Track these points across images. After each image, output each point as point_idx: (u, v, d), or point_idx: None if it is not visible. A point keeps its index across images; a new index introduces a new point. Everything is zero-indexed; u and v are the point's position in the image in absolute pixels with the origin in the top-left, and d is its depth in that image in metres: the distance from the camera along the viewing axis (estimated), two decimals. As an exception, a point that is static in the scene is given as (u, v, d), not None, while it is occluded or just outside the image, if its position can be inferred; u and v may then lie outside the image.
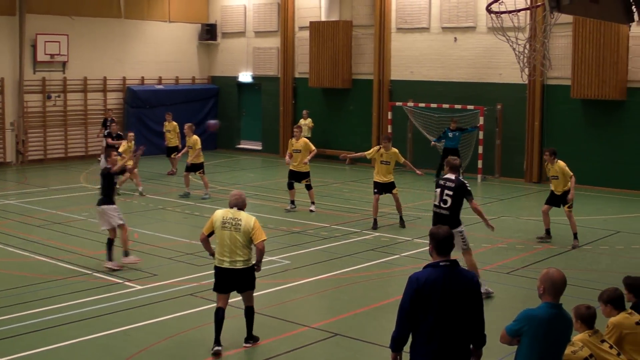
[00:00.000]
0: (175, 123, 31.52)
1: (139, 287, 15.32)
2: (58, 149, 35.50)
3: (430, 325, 7.74)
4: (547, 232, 19.79)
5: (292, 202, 23.59)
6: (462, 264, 10.41)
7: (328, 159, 33.97)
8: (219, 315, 11.94)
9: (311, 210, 23.16)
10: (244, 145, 39.42)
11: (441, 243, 7.97)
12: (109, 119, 32.70)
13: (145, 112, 37.04)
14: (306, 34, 35.45)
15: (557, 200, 19.53)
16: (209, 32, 39.65)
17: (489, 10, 20.24)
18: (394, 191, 21.50)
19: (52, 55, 34.52)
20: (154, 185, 27.97)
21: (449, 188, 14.67)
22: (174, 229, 21.15)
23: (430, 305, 7.73)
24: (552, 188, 19.70)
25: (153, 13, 38.27)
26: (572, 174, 19.40)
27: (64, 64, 35.29)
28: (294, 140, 23.77)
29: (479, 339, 7.98)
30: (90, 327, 12.92)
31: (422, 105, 31.27)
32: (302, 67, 36.31)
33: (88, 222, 21.50)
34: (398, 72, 33.08)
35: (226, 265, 11.86)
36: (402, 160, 21.93)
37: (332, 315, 13.88)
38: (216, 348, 11.80)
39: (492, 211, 23.64)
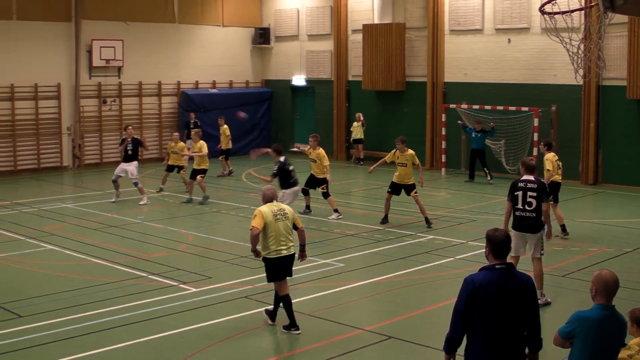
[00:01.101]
0: (226, 126, 31.75)
1: (194, 290, 15.41)
2: (114, 153, 35.78)
3: (486, 328, 7.69)
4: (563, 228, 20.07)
5: (308, 206, 23.56)
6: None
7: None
8: (289, 300, 12.97)
9: (332, 218, 22.65)
10: (297, 148, 39.42)
11: (498, 246, 7.90)
12: (192, 122, 33.24)
13: (199, 115, 37.20)
14: (359, 36, 35.45)
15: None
16: (262, 36, 39.80)
17: (542, 11, 20.07)
18: (413, 194, 21.83)
19: (107, 61, 34.90)
20: (208, 189, 28.10)
21: (532, 189, 14.19)
22: (228, 231, 21.24)
23: (486, 307, 7.68)
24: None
25: (207, 18, 38.51)
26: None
27: (119, 68, 35.66)
28: (309, 149, 23.91)
29: (534, 342, 7.91)
30: (145, 329, 13.02)
31: (476, 107, 31.10)
32: (355, 70, 36.31)
33: (143, 225, 21.69)
34: (452, 74, 32.95)
35: (285, 252, 12.81)
36: (417, 162, 22.11)
37: (386, 318, 13.85)
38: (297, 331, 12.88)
39: (548, 213, 23.46)
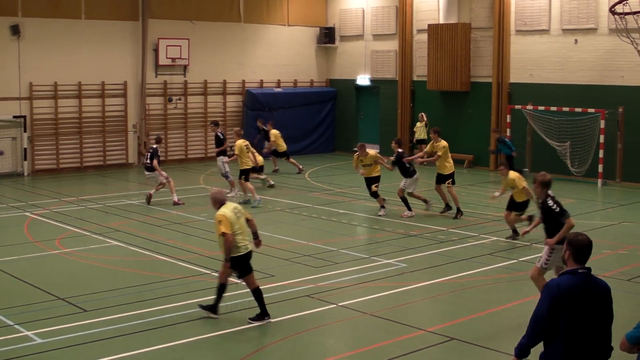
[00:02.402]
0: (275, 130, 32.01)
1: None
2: (178, 150, 36.15)
3: (570, 334, 7.49)
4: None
5: (383, 207, 23.59)
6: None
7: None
8: (261, 291, 13.51)
9: (380, 215, 23.26)
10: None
11: (580, 251, 7.70)
12: (262, 128, 33.57)
13: (264, 114, 37.38)
14: (424, 36, 35.34)
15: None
16: (327, 36, 39.85)
17: (612, 11, 19.90)
18: (447, 183, 23.31)
19: (173, 59, 35.22)
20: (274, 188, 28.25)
21: None
22: (291, 230, 21.29)
23: (571, 313, 7.47)
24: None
25: (272, 17, 38.67)
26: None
27: (185, 67, 35.97)
28: (360, 157, 23.65)
29: (607, 350, 7.75)
30: (207, 326, 13.11)
31: (541, 108, 30.83)
32: (420, 70, 36.20)
33: (207, 222, 21.82)
34: (517, 74, 32.69)
35: (250, 247, 13.51)
36: (440, 153, 23.40)
37: (448, 319, 13.79)
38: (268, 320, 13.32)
39: (613, 216, 23.26)
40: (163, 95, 35.67)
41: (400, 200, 23.25)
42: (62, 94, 33.03)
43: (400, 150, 23.65)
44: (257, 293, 13.36)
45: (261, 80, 38.51)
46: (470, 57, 34.08)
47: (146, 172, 25.63)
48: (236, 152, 25.56)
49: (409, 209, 23.02)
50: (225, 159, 26.97)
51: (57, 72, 32.70)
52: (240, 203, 24.79)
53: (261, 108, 37.28)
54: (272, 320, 13.37)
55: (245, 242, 13.26)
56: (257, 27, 38.22)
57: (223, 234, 12.89)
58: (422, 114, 34.74)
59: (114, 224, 21.95)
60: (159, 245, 19.25)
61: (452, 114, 35.12)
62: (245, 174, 25.34)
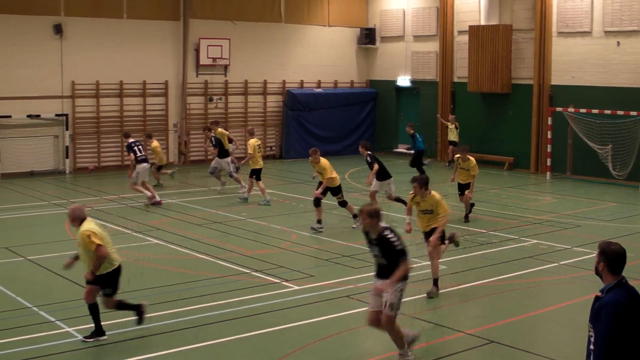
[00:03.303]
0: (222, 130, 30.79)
1: (296, 288, 15.50)
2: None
3: (633, 349, 7.08)
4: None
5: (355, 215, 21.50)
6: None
7: (486, 165, 33.65)
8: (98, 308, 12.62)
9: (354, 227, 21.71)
10: (402, 149, 39.37)
11: (615, 261, 7.26)
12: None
13: (304, 115, 37.49)
14: (465, 38, 35.22)
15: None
16: (368, 36, 39.84)
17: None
18: (467, 192, 22.61)
19: (214, 59, 35.38)
20: (312, 187, 28.25)
21: None
22: (330, 231, 21.27)
23: (633, 327, 7.08)
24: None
25: (313, 17, 38.72)
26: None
27: (225, 67, 36.11)
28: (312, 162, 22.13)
29: None
30: (246, 325, 13.14)
31: (583, 110, 30.60)
32: (460, 71, 36.07)
33: (247, 222, 21.89)
34: (559, 77, 32.46)
35: (120, 260, 12.80)
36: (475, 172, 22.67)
37: (488, 322, 13.73)
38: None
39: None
40: (204, 95, 35.84)
41: (395, 202, 23.09)
42: (104, 93, 33.30)
43: (368, 152, 22.65)
44: (95, 309, 12.47)
45: (301, 81, 38.57)
46: (511, 58, 33.90)
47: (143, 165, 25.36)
48: (249, 151, 25.59)
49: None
50: (229, 159, 27.40)
51: (99, 71, 32.97)
52: (260, 204, 24.88)
53: (301, 108, 37.38)
54: (312, 320, 13.37)
55: (115, 256, 12.58)
56: (297, 28, 38.29)
57: (98, 247, 12.09)
58: (452, 116, 34.58)
59: (154, 222, 22.09)
60: (198, 244, 19.33)
61: (493, 115, 34.97)
62: (256, 173, 25.38)
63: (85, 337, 12.31)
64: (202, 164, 34.63)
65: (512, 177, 31.84)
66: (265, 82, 37.44)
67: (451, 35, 36.46)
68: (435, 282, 15.10)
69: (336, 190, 21.94)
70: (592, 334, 7.14)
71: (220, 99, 36.28)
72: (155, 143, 28.19)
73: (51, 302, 14.42)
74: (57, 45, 32.06)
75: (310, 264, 17.47)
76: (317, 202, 21.36)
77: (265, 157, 35.89)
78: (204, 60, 35.19)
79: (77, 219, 12.42)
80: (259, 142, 26.22)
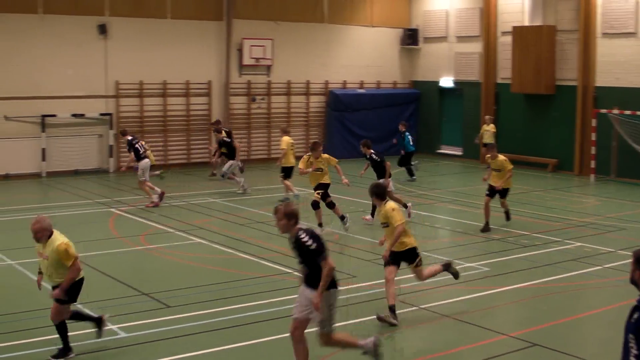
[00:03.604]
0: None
1: (338, 288, 15.45)
2: (261, 150, 36.37)
3: None
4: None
5: (320, 224, 20.99)
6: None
7: (530, 166, 33.52)
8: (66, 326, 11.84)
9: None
10: (445, 150, 39.28)
11: None
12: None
13: (347, 115, 37.48)
14: (509, 38, 35.00)
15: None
16: (410, 37, 39.75)
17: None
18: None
19: (257, 59, 35.48)
20: (353, 188, 28.27)
21: None
22: (372, 231, 21.23)
23: None
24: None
25: (356, 18, 38.71)
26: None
27: (268, 67, 36.20)
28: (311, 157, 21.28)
29: None
30: (288, 325, 13.12)
31: (627, 112, 30.31)
32: (504, 72, 35.85)
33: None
34: (603, 78, 32.16)
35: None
36: (509, 167, 21.86)
37: (531, 324, 13.64)
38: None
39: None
40: (246, 95, 35.95)
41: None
42: (148, 93, 33.50)
43: (372, 151, 22.68)
44: (63, 327, 11.75)
45: (344, 81, 38.57)
46: (555, 59, 33.66)
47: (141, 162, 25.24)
48: (283, 147, 25.70)
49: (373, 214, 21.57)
50: (232, 162, 27.63)
51: (142, 71, 33.19)
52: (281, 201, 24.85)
53: (344, 109, 37.39)
54: (355, 320, 13.35)
55: (81, 267, 11.75)
56: (340, 28, 38.30)
57: (75, 260, 11.36)
58: (488, 117, 34.34)
59: (197, 222, 22.19)
60: (241, 244, 19.40)
61: (536, 117, 34.76)
62: (287, 171, 25.44)
63: (52, 356, 11.55)
64: (244, 164, 34.69)
65: (555, 179, 31.64)
66: (307, 83, 37.49)
67: (495, 36, 36.27)
68: (391, 308, 13.32)
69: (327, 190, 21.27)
70: (633, 344, 6.89)
71: (262, 99, 36.37)
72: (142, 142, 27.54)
73: (95, 299, 14.49)
74: (102, 45, 32.32)
75: (353, 264, 17.46)
76: (315, 205, 20.95)
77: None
78: (247, 60, 35.31)
79: (46, 231, 11.44)
80: (292, 141, 26.26)
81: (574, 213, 23.94)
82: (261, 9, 35.81)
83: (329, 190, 21.32)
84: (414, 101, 39.95)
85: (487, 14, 36.15)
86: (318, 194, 21.03)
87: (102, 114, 32.49)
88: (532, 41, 33.59)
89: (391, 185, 22.54)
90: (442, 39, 38.87)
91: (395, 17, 39.89)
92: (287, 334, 12.05)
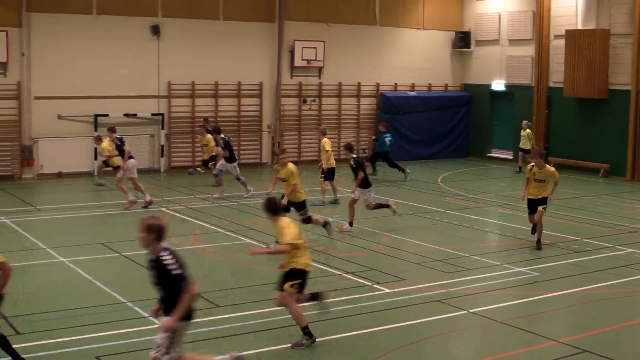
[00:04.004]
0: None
1: (387, 291, 15.49)
2: (311, 151, 36.41)
3: None
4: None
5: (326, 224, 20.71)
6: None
7: (581, 171, 33.25)
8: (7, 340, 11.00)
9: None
10: (495, 154, 39.06)
11: None
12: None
13: (397, 118, 37.42)
14: (562, 42, 34.71)
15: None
16: (462, 40, 39.58)
17: None
18: (540, 208, 19.35)
19: (308, 61, 35.56)
20: (403, 191, 28.26)
21: None
22: (422, 235, 21.20)
23: None
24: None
25: (408, 20, 38.64)
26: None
27: (319, 69, 36.27)
28: (278, 167, 20.33)
29: None
30: (337, 326, 13.17)
31: (682, 117, 29.98)
32: (556, 76, 35.56)
33: (339, 223, 21.90)
34: (658, 82, 31.87)
35: None
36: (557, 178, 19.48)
37: (581, 331, 13.54)
38: None
39: None
40: (297, 97, 36.04)
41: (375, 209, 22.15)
42: (199, 93, 33.72)
43: (353, 156, 21.87)
44: (4, 342, 10.93)
45: (395, 84, 38.52)
46: (608, 63, 33.33)
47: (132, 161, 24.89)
48: (327, 149, 25.82)
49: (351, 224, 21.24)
50: (236, 163, 27.19)
51: (194, 72, 33.41)
52: (314, 204, 24.82)
53: (395, 111, 37.35)
54: (402, 323, 13.36)
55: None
56: (392, 30, 38.25)
57: (4, 264, 10.61)
58: (525, 121, 34.06)
59: (246, 222, 22.28)
60: (291, 245, 19.40)
61: (589, 121, 34.44)
62: (330, 173, 25.59)
63: None
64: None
65: (607, 185, 31.35)
66: (359, 85, 37.49)
67: (547, 39, 35.98)
68: (304, 330, 12.36)
69: (300, 206, 20.01)
70: None
71: (314, 100, 36.45)
72: (105, 143, 26.62)
73: (145, 297, 14.62)
74: (154, 46, 32.59)
75: (402, 267, 17.44)
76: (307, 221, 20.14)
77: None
78: (298, 62, 35.41)
79: None
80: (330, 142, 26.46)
81: (625, 219, 23.71)
82: (313, 10, 35.89)
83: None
84: (465, 104, 39.79)
85: (540, 17, 35.88)
86: (302, 213, 20.01)
87: (153, 114, 32.76)
88: (585, 45, 33.29)
89: (371, 196, 21.85)
90: (494, 42, 38.65)
91: (447, 19, 39.75)
92: (338, 336, 12.11)
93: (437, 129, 38.65)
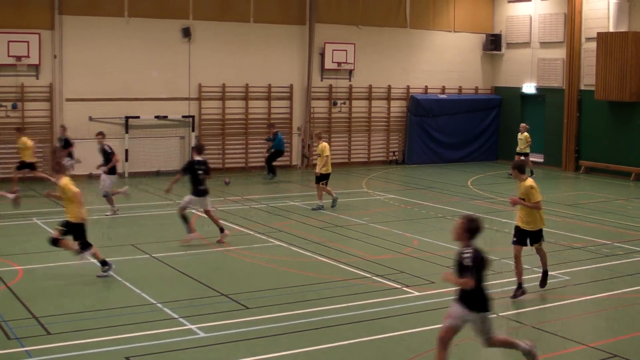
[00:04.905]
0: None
1: (417, 294, 15.49)
2: (341, 154, 36.43)
3: None
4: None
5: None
6: None
7: (612, 174, 33.10)
8: None
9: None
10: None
11: None
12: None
13: (427, 120, 37.40)
14: (593, 45, 34.55)
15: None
16: (493, 43, 39.47)
17: None
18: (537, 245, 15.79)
19: (339, 64, 35.60)
20: (433, 193, 28.25)
21: None
22: (451, 237, 21.14)
23: None
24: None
25: (438, 23, 38.60)
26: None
27: (350, 71, 36.30)
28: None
29: None
30: (368, 329, 13.21)
31: None
32: (588, 79, 35.40)
33: (369, 226, 21.93)
34: (690, 85, 31.64)
35: None
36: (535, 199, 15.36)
37: (611, 335, 13.47)
38: None
39: None
40: (328, 99, 36.09)
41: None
42: (230, 96, 33.85)
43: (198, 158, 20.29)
44: None
45: (426, 86, 38.48)
46: (641, 67, 33.18)
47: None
48: (327, 153, 25.16)
49: (189, 230, 19.94)
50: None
51: (225, 74, 33.54)
52: (312, 209, 24.80)
53: (425, 114, 37.33)
54: (433, 326, 13.33)
55: None
56: (422, 33, 38.22)
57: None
58: (523, 124, 33.74)
59: (276, 224, 22.34)
60: (320, 247, 19.48)
61: (620, 124, 34.26)
62: (327, 178, 25.14)
63: None
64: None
65: (638, 188, 31.16)
66: (389, 87, 37.48)
67: (579, 42, 35.81)
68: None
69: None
70: None
71: (344, 103, 36.48)
72: (24, 139, 26.33)
73: (175, 299, 14.73)
74: (185, 48, 32.74)
75: (432, 270, 17.42)
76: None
77: (388, 163, 36.24)
78: (328, 64, 35.47)
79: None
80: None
81: (656, 223, 23.61)
82: (343, 13, 35.94)
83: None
84: (496, 107, 39.69)
85: (571, 20, 35.72)
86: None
87: (184, 116, 32.92)
88: (617, 47, 33.12)
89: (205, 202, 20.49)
90: (525, 44, 38.54)
91: (477, 22, 39.67)
92: (370, 338, 12.14)
93: (467, 131, 38.59)
